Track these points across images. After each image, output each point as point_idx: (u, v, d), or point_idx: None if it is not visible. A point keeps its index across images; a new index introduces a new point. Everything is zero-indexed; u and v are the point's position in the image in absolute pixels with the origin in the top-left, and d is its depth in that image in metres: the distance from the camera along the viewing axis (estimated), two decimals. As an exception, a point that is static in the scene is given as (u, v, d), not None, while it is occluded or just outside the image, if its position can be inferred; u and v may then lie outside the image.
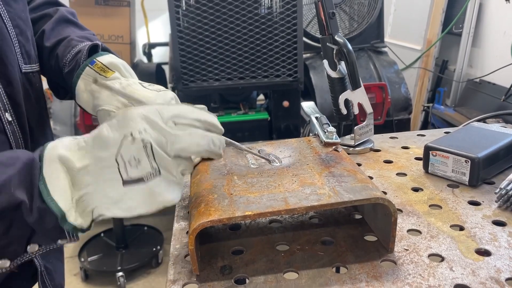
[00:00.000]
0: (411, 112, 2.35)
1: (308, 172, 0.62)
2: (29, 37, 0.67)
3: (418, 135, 0.99)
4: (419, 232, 0.61)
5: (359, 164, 0.84)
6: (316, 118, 0.82)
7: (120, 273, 2.11)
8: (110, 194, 0.46)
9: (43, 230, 0.46)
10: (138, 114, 0.47)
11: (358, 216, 0.66)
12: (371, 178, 0.78)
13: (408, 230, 0.61)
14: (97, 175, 0.46)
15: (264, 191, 0.57)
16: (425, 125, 2.90)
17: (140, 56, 3.13)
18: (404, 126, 2.31)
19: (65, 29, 0.73)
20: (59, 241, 0.49)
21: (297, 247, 0.58)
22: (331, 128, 0.74)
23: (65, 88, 0.73)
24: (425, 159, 0.79)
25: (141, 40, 3.23)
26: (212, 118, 0.51)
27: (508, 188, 0.67)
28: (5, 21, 0.61)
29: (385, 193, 0.72)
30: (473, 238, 0.59)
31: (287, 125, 2.21)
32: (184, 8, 1.89)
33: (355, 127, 0.88)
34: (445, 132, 0.99)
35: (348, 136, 0.93)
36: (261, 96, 2.61)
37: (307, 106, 0.91)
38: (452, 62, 2.89)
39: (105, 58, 0.65)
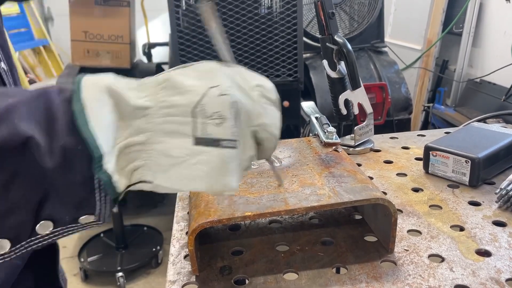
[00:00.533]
0: (411, 112, 2.35)
1: (308, 172, 0.62)
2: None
3: (418, 135, 0.99)
4: (419, 232, 0.61)
5: (359, 165, 0.84)
6: (316, 118, 0.82)
7: (120, 273, 2.11)
8: (171, 151, 0.35)
9: (65, 185, 0.33)
10: (221, 70, 0.38)
11: (358, 217, 0.65)
12: (371, 178, 0.78)
13: (408, 231, 0.61)
14: (158, 123, 0.35)
15: (264, 191, 0.57)
16: (425, 125, 2.89)
17: (140, 56, 3.12)
18: (404, 126, 2.31)
19: None
20: (82, 217, 0.35)
21: (297, 247, 0.58)
22: (331, 128, 0.74)
23: None
24: (425, 159, 0.78)
25: (141, 40, 3.23)
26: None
27: (509, 188, 0.66)
28: None
29: (385, 193, 0.72)
30: (473, 239, 0.59)
31: (287, 125, 2.20)
32: (184, 8, 1.89)
33: (355, 127, 0.88)
34: (446, 132, 0.99)
35: (348, 136, 0.93)
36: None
37: (307, 106, 0.91)
38: (453, 62, 2.89)
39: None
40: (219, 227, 0.64)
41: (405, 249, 0.57)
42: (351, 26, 2.44)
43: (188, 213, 0.60)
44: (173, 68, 0.39)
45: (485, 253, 0.56)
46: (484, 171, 0.73)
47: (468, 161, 0.72)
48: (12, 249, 0.34)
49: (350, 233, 0.61)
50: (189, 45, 1.92)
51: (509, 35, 2.38)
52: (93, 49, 2.53)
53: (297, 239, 0.60)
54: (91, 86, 0.34)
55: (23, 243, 0.35)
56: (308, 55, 2.40)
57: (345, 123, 0.92)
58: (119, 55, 2.56)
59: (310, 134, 0.83)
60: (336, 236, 0.60)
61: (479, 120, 1.02)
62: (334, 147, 0.70)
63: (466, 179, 0.73)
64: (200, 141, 0.35)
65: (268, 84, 0.41)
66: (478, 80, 2.60)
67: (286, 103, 2.15)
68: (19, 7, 3.17)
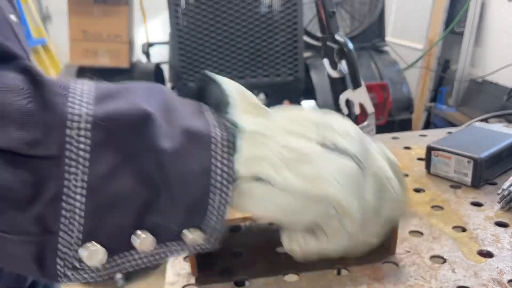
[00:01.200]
0: (413, 112, 2.35)
1: (308, 172, 0.61)
2: None
3: (420, 135, 0.98)
4: (421, 233, 0.60)
5: (360, 164, 0.83)
6: (317, 118, 0.81)
7: (120, 274, 2.10)
8: (296, 145, 0.31)
9: (181, 177, 0.27)
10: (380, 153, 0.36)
11: (359, 217, 0.65)
12: (372, 178, 0.77)
13: (410, 232, 0.61)
14: (282, 123, 0.32)
15: (264, 192, 0.57)
16: (427, 125, 2.89)
17: (139, 56, 3.12)
18: (405, 126, 2.30)
19: None
20: (189, 232, 0.30)
21: (297, 248, 0.58)
22: (332, 128, 0.74)
23: None
24: (427, 159, 0.78)
25: (140, 39, 3.22)
26: None
27: (511, 189, 0.66)
28: None
29: (386, 193, 0.71)
30: (476, 240, 0.58)
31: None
32: (183, 7, 1.89)
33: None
34: (448, 132, 0.98)
35: (349, 136, 0.92)
36: (262, 95, 2.61)
37: (308, 105, 0.90)
38: (454, 62, 2.88)
39: None
40: (219, 227, 0.64)
41: (406, 250, 0.56)
42: (352, 25, 2.44)
43: (187, 213, 0.60)
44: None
45: (487, 254, 0.55)
46: (486, 172, 0.72)
47: (471, 161, 0.72)
48: (105, 265, 0.27)
49: (351, 234, 0.61)
50: (188, 45, 1.91)
51: (511, 34, 2.38)
52: (91, 49, 2.53)
53: (298, 240, 0.60)
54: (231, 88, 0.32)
55: (115, 258, 0.27)
56: (308, 54, 2.39)
57: (346, 122, 0.91)
58: (118, 54, 2.56)
59: (311, 134, 0.83)
60: (337, 237, 0.60)
61: (481, 120, 1.02)
62: (335, 147, 0.70)
63: (468, 179, 0.73)
64: (327, 146, 0.31)
65: (389, 154, 0.37)
66: (480, 79, 2.59)
67: (286, 103, 2.15)
68: (17, 5, 3.16)
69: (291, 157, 0.30)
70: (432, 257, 0.55)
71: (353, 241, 0.34)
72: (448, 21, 2.83)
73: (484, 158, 0.71)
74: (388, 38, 2.93)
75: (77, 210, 0.24)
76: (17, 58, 0.26)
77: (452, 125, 2.50)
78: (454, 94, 2.79)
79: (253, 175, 0.29)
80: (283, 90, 2.12)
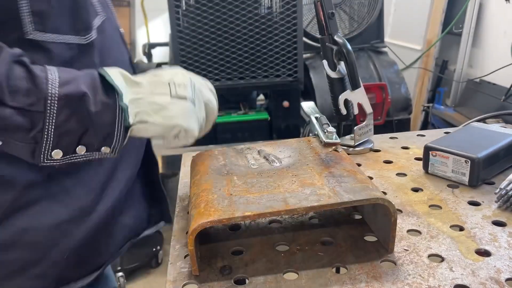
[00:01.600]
0: (411, 112, 2.35)
1: (308, 172, 0.62)
2: None
3: (418, 135, 0.99)
4: (419, 232, 0.61)
5: (359, 165, 0.84)
6: (316, 118, 0.82)
7: (120, 273, 2.10)
8: (158, 101, 0.58)
9: (100, 124, 0.55)
10: (181, 71, 0.63)
11: (358, 217, 0.66)
12: (371, 178, 0.78)
13: (408, 231, 0.61)
14: (149, 88, 0.58)
15: (264, 191, 0.57)
16: (425, 125, 2.89)
17: (140, 56, 3.13)
18: (404, 126, 2.31)
19: None
20: (103, 149, 0.57)
21: (297, 247, 0.58)
22: (331, 128, 0.74)
23: None
24: (425, 159, 0.79)
25: (141, 40, 3.23)
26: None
27: (508, 188, 0.66)
28: None
29: (385, 193, 0.72)
30: (473, 239, 0.59)
31: (287, 125, 2.20)
32: (184, 8, 1.89)
33: (355, 127, 0.88)
34: (445, 132, 0.99)
35: (348, 136, 0.93)
36: (261, 96, 2.61)
37: (307, 106, 0.91)
38: (452, 62, 2.89)
39: None
40: (219, 227, 0.64)
41: (404, 249, 0.57)
42: (351, 26, 2.44)
43: (188, 213, 0.60)
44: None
45: (485, 253, 0.56)
46: (483, 171, 0.73)
47: (468, 161, 0.72)
48: (62, 158, 0.55)
49: (350, 233, 0.61)
50: (189, 45, 1.92)
51: (509, 35, 2.39)
52: (93, 49, 2.53)
53: (297, 239, 0.60)
54: (109, 70, 0.57)
55: (67, 156, 0.55)
56: (308, 55, 2.40)
57: (345, 123, 0.92)
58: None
59: (310, 134, 0.83)
60: (336, 236, 0.60)
61: (478, 120, 1.03)
62: (334, 147, 0.71)
63: (465, 179, 0.73)
64: (174, 97, 0.59)
65: (209, 84, 0.68)
66: (477, 80, 2.60)
67: (286, 103, 2.15)
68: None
69: (156, 108, 0.57)
70: (430, 255, 0.56)
71: (192, 139, 0.62)
72: (446, 22, 2.84)
73: (482, 158, 0.72)
74: (387, 39, 2.94)
75: (50, 134, 0.52)
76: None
77: (450, 125, 2.51)
78: (452, 94, 2.80)
79: (138, 121, 0.57)
80: (283, 91, 2.12)
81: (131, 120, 0.56)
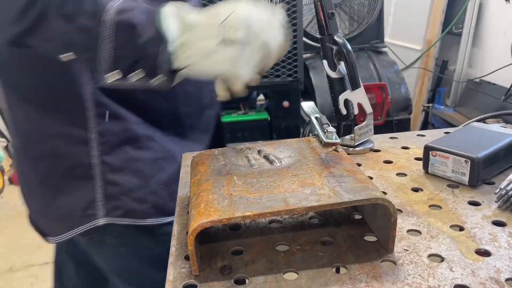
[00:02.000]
0: (411, 112, 2.35)
1: (308, 172, 0.62)
2: None
3: (418, 135, 0.99)
4: (419, 232, 0.61)
5: (359, 164, 0.84)
6: (316, 118, 0.82)
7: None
8: (208, 45, 0.60)
9: (148, 57, 0.61)
10: (248, 4, 0.62)
11: (358, 216, 0.66)
12: (371, 178, 0.78)
13: (408, 231, 0.61)
14: (202, 31, 0.61)
15: (264, 191, 0.57)
16: (425, 125, 2.90)
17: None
18: (404, 126, 2.31)
19: None
20: (155, 78, 0.62)
21: (297, 247, 0.58)
22: (331, 128, 0.74)
23: None
24: (425, 159, 0.79)
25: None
26: None
27: (508, 188, 0.66)
28: None
29: (385, 193, 0.72)
30: (473, 239, 0.59)
31: (287, 125, 2.21)
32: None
33: (355, 127, 0.88)
34: (445, 132, 0.99)
35: (348, 136, 0.93)
36: (261, 96, 2.61)
37: (307, 106, 0.91)
38: (452, 62, 2.89)
39: None
40: (219, 227, 0.64)
41: (404, 249, 0.57)
42: (351, 26, 2.44)
43: (188, 213, 0.60)
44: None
45: (485, 253, 0.56)
46: (483, 171, 0.73)
47: (468, 161, 0.72)
48: (121, 78, 0.63)
49: (350, 233, 0.61)
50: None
51: (509, 35, 2.39)
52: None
53: (297, 239, 0.60)
54: (170, 10, 0.62)
55: (124, 79, 0.63)
56: (308, 55, 2.40)
57: (345, 123, 0.92)
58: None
59: (310, 134, 0.84)
60: (336, 236, 0.60)
61: (478, 120, 1.03)
62: (334, 147, 0.71)
63: (465, 179, 0.73)
64: (222, 42, 0.60)
65: (276, 16, 0.65)
66: (477, 80, 2.60)
67: (286, 103, 2.15)
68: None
69: (205, 53, 0.60)
70: (430, 255, 0.56)
71: (242, 84, 0.64)
72: (446, 22, 2.84)
73: (482, 158, 0.72)
74: (387, 39, 2.94)
75: (106, 55, 0.61)
76: None
77: (450, 125, 2.51)
78: (452, 94, 2.80)
79: (187, 64, 0.62)
80: (283, 91, 2.12)
81: (178, 63, 0.61)
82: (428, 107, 2.85)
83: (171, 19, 0.60)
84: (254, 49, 0.61)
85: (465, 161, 0.73)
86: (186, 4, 0.64)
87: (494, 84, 2.46)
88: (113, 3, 0.61)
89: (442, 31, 2.86)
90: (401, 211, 0.66)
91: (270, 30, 0.63)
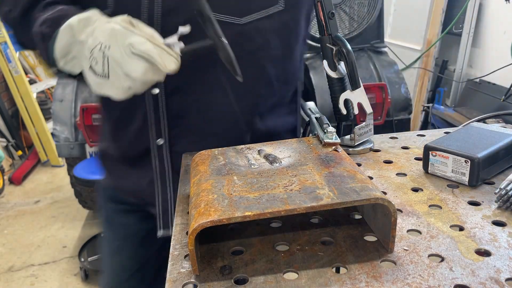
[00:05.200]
0: (411, 112, 2.35)
1: (308, 172, 0.62)
2: None
3: (418, 135, 0.99)
4: (419, 232, 0.61)
5: (359, 164, 0.84)
6: (316, 118, 0.82)
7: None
8: (83, 66, 0.70)
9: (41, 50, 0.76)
10: (113, 29, 0.66)
11: (357, 216, 0.66)
12: (371, 178, 0.78)
13: (408, 230, 0.61)
14: (82, 50, 0.69)
15: (264, 191, 0.57)
16: (425, 125, 2.90)
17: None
18: (404, 126, 2.31)
19: None
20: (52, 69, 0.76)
21: (296, 247, 0.58)
22: (331, 128, 0.74)
23: None
24: (425, 159, 0.79)
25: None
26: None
27: (508, 188, 0.67)
28: None
29: (385, 193, 0.72)
30: (473, 238, 0.59)
31: (287, 125, 2.20)
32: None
33: (355, 127, 0.88)
34: (445, 132, 0.99)
35: (347, 136, 0.93)
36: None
37: (307, 106, 0.91)
38: (452, 62, 2.90)
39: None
40: (219, 226, 0.64)
41: (404, 249, 0.57)
42: (351, 26, 2.44)
43: (188, 213, 0.60)
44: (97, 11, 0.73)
45: (485, 253, 0.56)
46: (483, 171, 0.73)
47: (468, 161, 0.72)
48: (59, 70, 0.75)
49: (349, 232, 0.61)
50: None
51: (509, 35, 2.39)
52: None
53: (297, 239, 0.60)
54: (65, 27, 0.71)
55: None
56: (308, 55, 2.40)
57: (345, 123, 0.92)
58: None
59: (310, 134, 0.84)
60: (335, 236, 0.60)
61: (478, 120, 1.03)
62: (334, 147, 0.71)
63: (465, 179, 0.73)
64: (90, 69, 0.68)
65: (136, 41, 0.67)
66: (477, 80, 2.60)
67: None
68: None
69: (83, 68, 0.71)
70: (430, 255, 0.56)
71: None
72: (446, 22, 2.84)
73: (482, 158, 0.72)
74: (387, 39, 2.94)
75: (42, 53, 0.77)
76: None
77: (450, 125, 2.51)
78: (452, 94, 2.81)
79: (69, 69, 0.74)
80: (282, 91, 2.12)
81: (62, 66, 0.73)
82: (428, 107, 2.85)
83: (62, 36, 0.70)
84: (116, 80, 0.66)
85: (465, 161, 0.73)
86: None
87: (494, 84, 2.46)
88: (43, 15, 0.76)
89: (442, 31, 2.87)
90: (401, 211, 0.66)
91: (130, 62, 0.65)
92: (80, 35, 0.69)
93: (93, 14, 0.72)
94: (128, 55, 0.65)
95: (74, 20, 0.70)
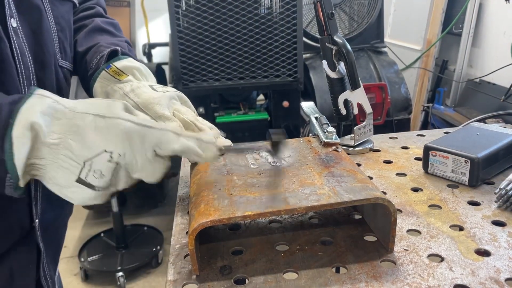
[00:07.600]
0: (411, 112, 2.35)
1: (307, 172, 0.62)
2: (67, 37, 0.73)
3: (418, 135, 0.99)
4: (419, 232, 0.61)
5: (358, 164, 0.84)
6: (316, 118, 0.82)
7: (120, 273, 2.11)
8: (59, 180, 0.51)
9: None
10: (125, 131, 0.52)
11: (357, 216, 0.66)
12: (370, 178, 0.78)
13: (408, 230, 0.61)
14: (57, 158, 0.50)
15: (264, 191, 0.57)
16: (425, 125, 2.89)
17: (140, 56, 3.13)
18: (404, 126, 2.31)
19: (97, 37, 0.77)
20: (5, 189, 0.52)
21: (296, 247, 0.58)
22: (331, 128, 0.74)
23: None
24: (425, 159, 0.79)
25: (141, 40, 3.23)
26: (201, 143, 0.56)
27: (508, 188, 0.67)
28: (48, 15, 0.67)
29: (384, 193, 0.72)
30: (473, 238, 0.59)
31: (287, 125, 2.20)
32: (184, 8, 1.89)
33: (355, 127, 0.88)
34: (445, 132, 0.99)
35: (347, 136, 0.93)
36: (261, 96, 2.61)
37: (307, 106, 0.91)
38: (452, 62, 2.89)
39: (121, 62, 0.69)
40: (219, 226, 0.64)
41: (404, 249, 0.57)
42: (351, 27, 2.44)
43: (188, 213, 0.60)
44: (94, 109, 0.52)
45: (485, 253, 0.56)
46: (483, 171, 0.73)
47: (468, 161, 0.72)
48: None
49: (349, 232, 0.61)
50: (189, 45, 1.92)
51: (509, 35, 2.39)
52: (93, 49, 2.53)
53: (297, 239, 0.60)
54: (20, 125, 0.49)
55: None
56: (308, 55, 2.40)
57: (344, 123, 0.92)
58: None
59: (310, 134, 0.84)
60: (335, 236, 0.60)
61: (478, 120, 1.03)
62: (333, 147, 0.71)
63: (465, 179, 0.73)
64: (81, 181, 0.51)
65: (165, 139, 0.54)
66: (477, 80, 2.60)
67: (286, 103, 2.15)
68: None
69: (54, 183, 0.52)
70: (430, 255, 0.56)
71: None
72: (446, 22, 2.84)
73: (481, 158, 0.72)
74: (387, 39, 2.94)
75: None
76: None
77: (450, 125, 2.51)
78: (452, 94, 2.80)
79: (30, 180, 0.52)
80: (283, 91, 2.12)
81: (21, 181, 0.50)
82: (428, 107, 2.85)
83: (20, 136, 0.49)
84: (113, 189, 0.54)
85: (465, 161, 0.73)
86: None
87: (494, 84, 2.46)
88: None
89: (442, 31, 2.86)
90: (401, 211, 0.66)
91: (152, 167, 0.54)
92: (49, 135, 0.50)
93: (55, 102, 0.52)
94: (151, 159, 0.53)
95: (26, 125, 0.49)
